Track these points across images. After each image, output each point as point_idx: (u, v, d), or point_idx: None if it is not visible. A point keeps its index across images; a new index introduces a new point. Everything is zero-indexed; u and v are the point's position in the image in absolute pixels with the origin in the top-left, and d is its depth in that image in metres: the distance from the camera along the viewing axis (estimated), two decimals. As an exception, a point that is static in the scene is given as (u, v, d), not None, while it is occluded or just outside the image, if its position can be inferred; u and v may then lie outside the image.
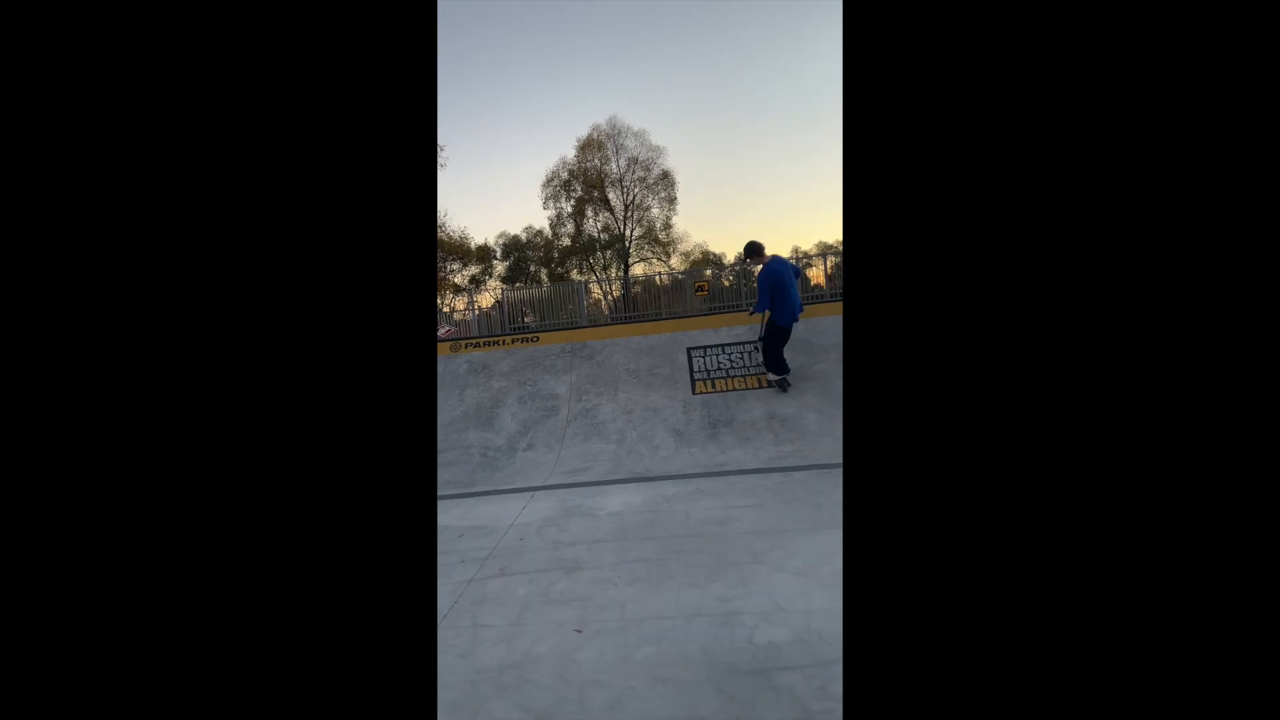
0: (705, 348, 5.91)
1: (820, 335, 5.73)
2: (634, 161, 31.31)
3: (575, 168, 29.84)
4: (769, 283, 4.73)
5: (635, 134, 31.82)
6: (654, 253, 33.85)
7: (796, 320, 4.79)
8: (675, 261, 33.84)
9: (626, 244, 31.17)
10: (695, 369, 5.66)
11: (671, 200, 33.36)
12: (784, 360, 4.86)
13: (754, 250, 5.01)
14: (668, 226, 33.99)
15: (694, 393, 5.40)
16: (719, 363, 5.74)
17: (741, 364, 5.60)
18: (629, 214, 32.31)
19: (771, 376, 4.99)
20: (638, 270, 32.98)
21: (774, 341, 4.89)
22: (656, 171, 32.88)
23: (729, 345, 5.85)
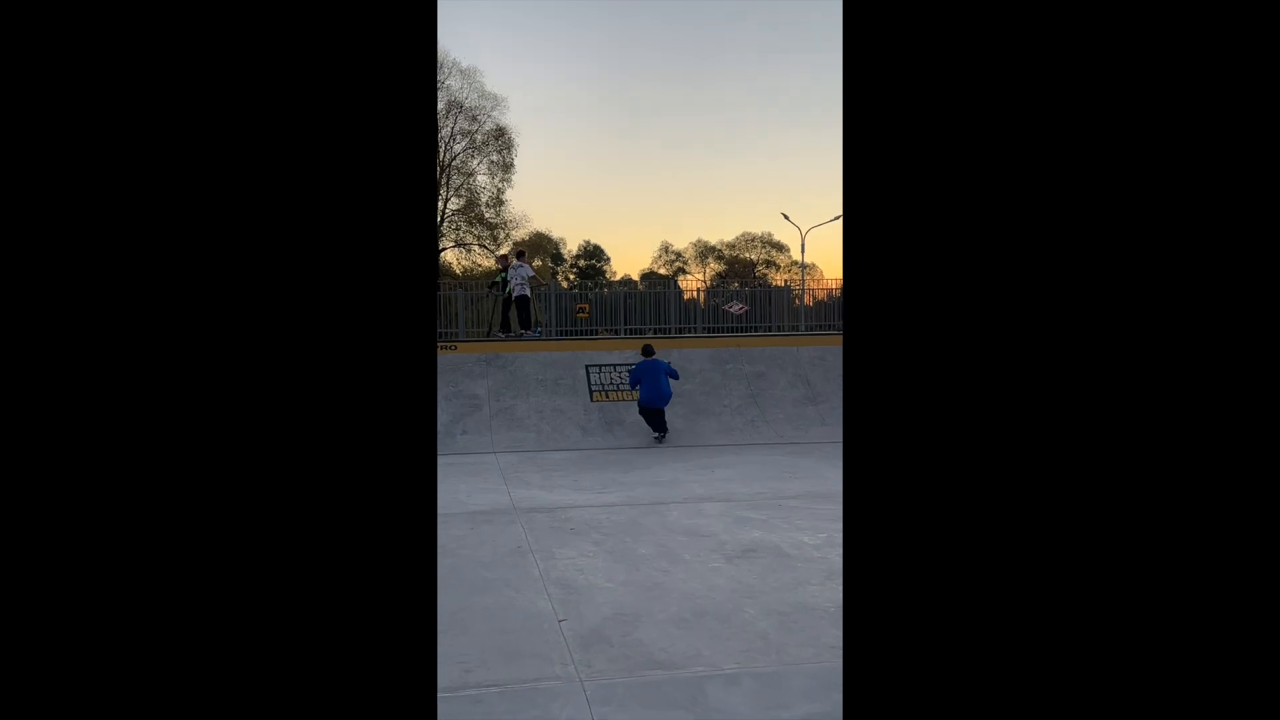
0: (600, 366, 11.72)
1: (690, 363, 11.86)
2: (456, 107, 29.88)
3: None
4: (635, 374, 10.47)
5: (463, 72, 30.31)
6: (475, 235, 32.59)
7: (660, 405, 10.28)
8: (504, 250, 32.62)
9: (437, 218, 31.20)
10: (593, 382, 11.45)
11: (506, 167, 32.29)
12: (659, 424, 10.43)
13: (645, 350, 10.75)
14: (498, 202, 32.76)
15: (591, 400, 11.22)
16: (611, 379, 11.57)
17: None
18: (442, 176, 30.65)
19: (655, 434, 10.46)
20: (448, 257, 31.82)
21: (643, 415, 10.47)
22: (488, 126, 31.46)
23: (621, 365, 11.71)
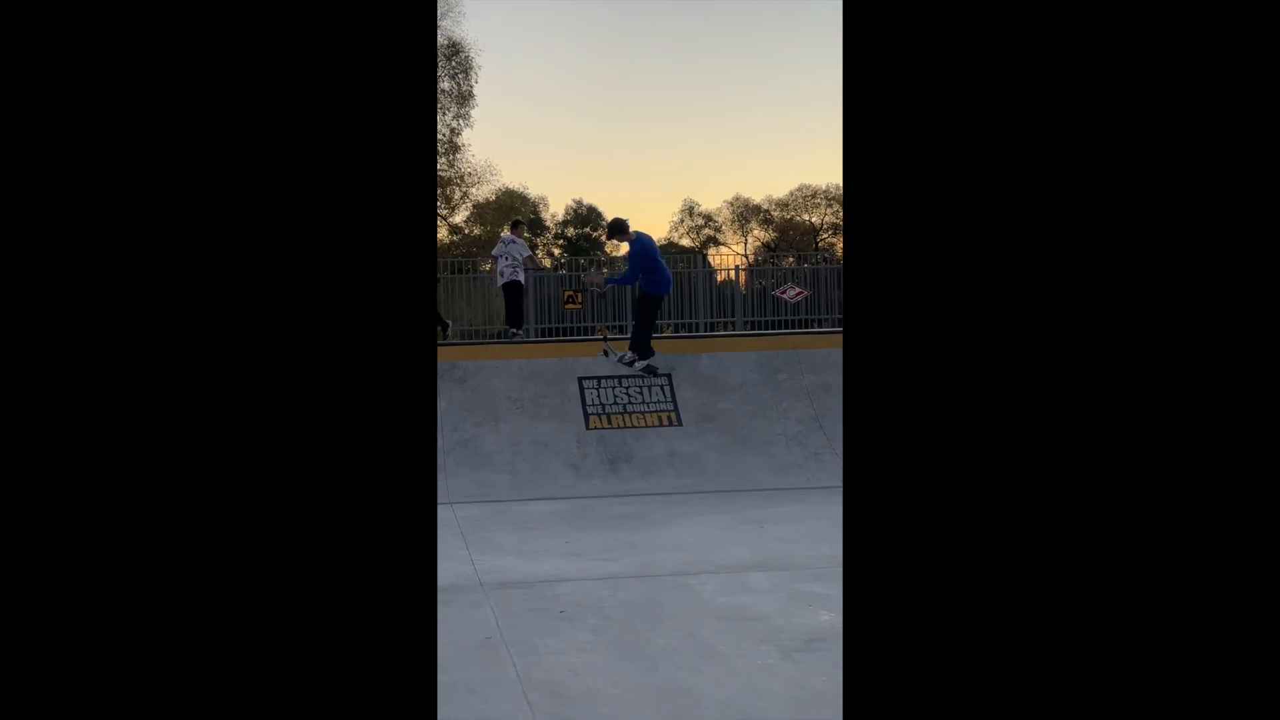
0: (599, 379, 11.52)
1: (726, 373, 11.69)
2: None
3: None
4: (641, 255, 9.63)
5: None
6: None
7: (669, 291, 9.98)
8: (461, 217, 33.99)
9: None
10: (588, 402, 11.37)
11: (463, 99, 32.37)
12: (650, 344, 10.25)
13: (619, 229, 10.05)
14: (453, 148, 32.88)
15: (587, 428, 11.10)
16: (615, 397, 11.43)
17: (642, 399, 11.33)
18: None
19: (638, 363, 10.36)
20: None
21: (645, 316, 10.13)
22: (437, 40, 31.96)
23: (628, 378, 11.31)
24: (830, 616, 5.53)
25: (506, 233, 14.73)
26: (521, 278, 14.50)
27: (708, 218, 57.26)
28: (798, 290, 17.29)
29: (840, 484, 10.01)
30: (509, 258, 14.26)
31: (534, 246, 47.43)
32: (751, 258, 47.20)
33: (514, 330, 14.28)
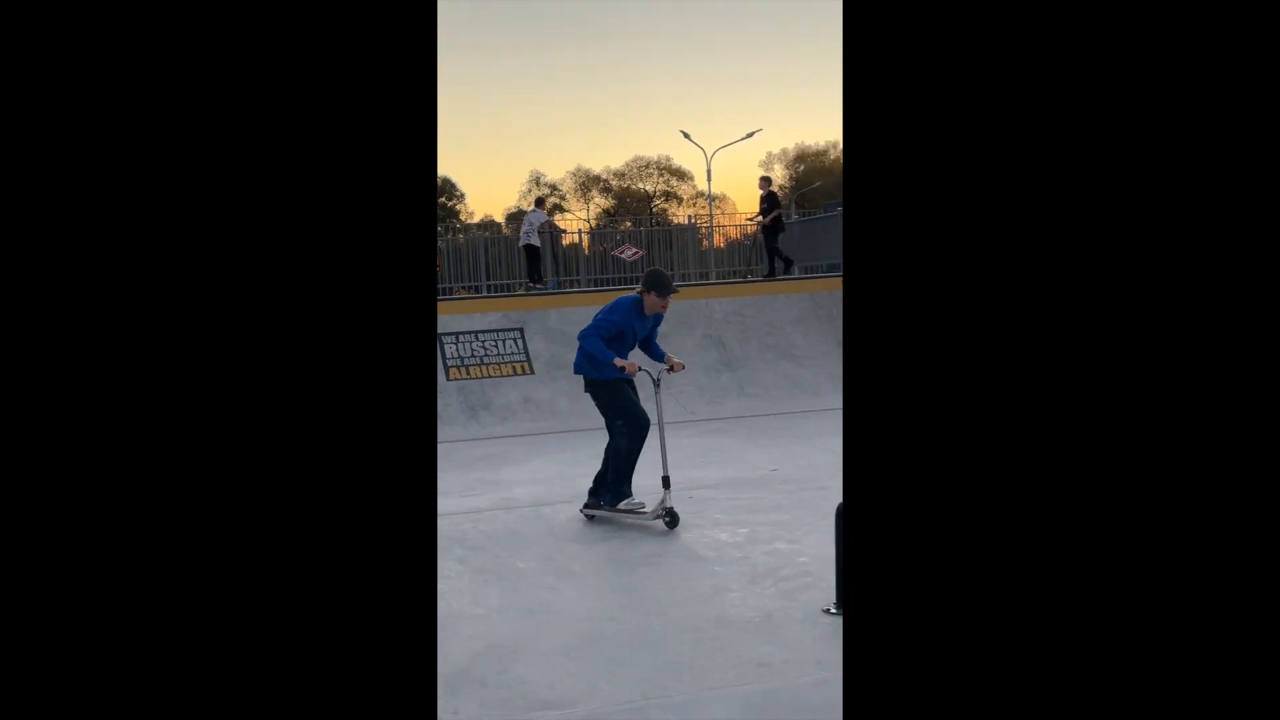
0: (458, 334, 11.44)
1: (573, 326, 10.21)
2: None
3: None
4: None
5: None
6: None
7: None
8: None
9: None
10: (448, 355, 11.34)
11: None
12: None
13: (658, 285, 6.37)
14: None
15: (448, 379, 11.01)
16: (473, 350, 11.49)
17: (497, 351, 11.54)
18: None
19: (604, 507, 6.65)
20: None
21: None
22: None
23: (484, 333, 11.49)
24: (667, 535, 5.75)
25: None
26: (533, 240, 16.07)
27: (552, 186, 56.85)
28: (634, 250, 17.47)
29: (676, 419, 10.28)
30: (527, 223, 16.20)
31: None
32: (592, 223, 47.29)
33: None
